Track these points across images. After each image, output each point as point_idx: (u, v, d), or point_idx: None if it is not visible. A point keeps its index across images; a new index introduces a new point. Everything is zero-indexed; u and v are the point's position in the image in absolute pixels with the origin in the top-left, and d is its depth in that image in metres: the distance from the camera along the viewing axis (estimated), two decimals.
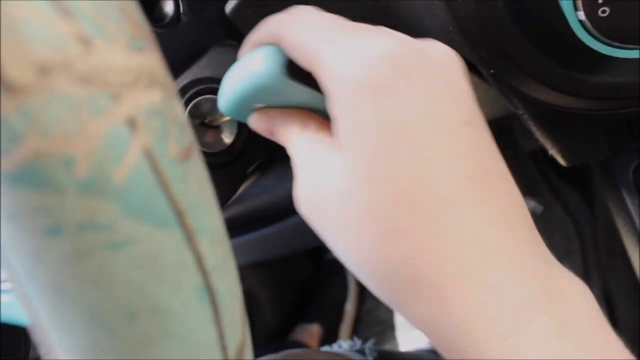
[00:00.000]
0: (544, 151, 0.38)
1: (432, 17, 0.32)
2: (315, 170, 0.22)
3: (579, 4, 0.25)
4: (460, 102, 0.21)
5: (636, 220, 0.39)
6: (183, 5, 0.33)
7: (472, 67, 0.34)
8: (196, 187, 0.14)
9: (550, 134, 0.39)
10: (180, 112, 0.14)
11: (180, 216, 0.13)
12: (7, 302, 0.17)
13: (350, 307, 1.03)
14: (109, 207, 0.12)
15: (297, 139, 0.24)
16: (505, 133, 1.09)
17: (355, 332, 1.02)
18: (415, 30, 0.36)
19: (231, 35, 0.35)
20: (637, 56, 0.26)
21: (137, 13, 0.13)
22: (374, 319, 1.03)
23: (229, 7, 0.30)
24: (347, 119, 0.21)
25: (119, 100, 0.12)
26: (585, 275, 1.01)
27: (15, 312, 0.17)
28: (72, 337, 0.13)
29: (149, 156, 0.12)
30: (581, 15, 0.25)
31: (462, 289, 0.19)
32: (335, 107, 0.21)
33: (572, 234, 1.08)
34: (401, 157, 0.20)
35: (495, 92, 0.37)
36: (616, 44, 0.26)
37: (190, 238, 0.13)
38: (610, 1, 0.25)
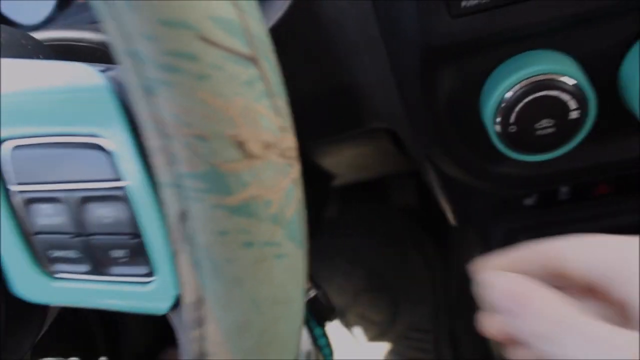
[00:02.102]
0: (411, 208, 0.51)
1: (385, 93, 0.42)
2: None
3: (497, 121, 0.37)
4: None
5: None
6: None
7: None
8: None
9: (452, 200, 0.51)
10: None
11: (304, 241, 0.20)
12: (149, 290, 0.22)
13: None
14: (281, 231, 0.19)
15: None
16: (380, 189, 1.25)
17: None
18: (367, 105, 0.46)
19: None
20: (529, 159, 0.38)
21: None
22: None
23: None
24: None
25: (292, 167, 0.19)
26: (435, 317, 1.16)
27: (154, 302, 0.22)
28: (232, 315, 0.19)
29: (300, 203, 0.20)
30: (497, 128, 0.37)
31: None
32: None
33: (427, 281, 1.24)
34: None
35: (391, 154, 0.48)
36: (517, 150, 0.37)
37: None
38: (517, 123, 0.36)
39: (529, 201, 0.50)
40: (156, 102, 0.16)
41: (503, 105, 0.36)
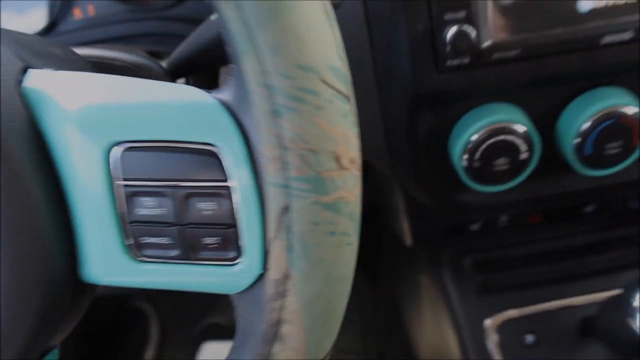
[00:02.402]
0: None
1: (370, 132, 0.49)
2: None
3: (465, 158, 0.45)
4: None
5: (451, 292, 0.60)
6: None
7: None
8: None
9: (412, 223, 0.59)
10: None
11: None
12: (235, 271, 0.26)
13: (150, 355, 1.08)
14: (352, 225, 0.25)
15: None
16: None
17: None
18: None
19: None
20: (486, 190, 0.47)
21: None
22: None
23: None
24: None
25: (360, 179, 0.26)
26: (364, 339, 1.23)
27: (236, 282, 0.26)
28: (310, 289, 0.24)
29: (358, 204, 0.26)
30: (465, 164, 0.45)
31: None
32: None
33: (355, 305, 1.31)
34: None
35: None
36: (479, 182, 0.46)
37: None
38: (480, 160, 0.45)
39: (474, 227, 0.59)
40: (281, 122, 0.22)
41: (470, 145, 0.44)
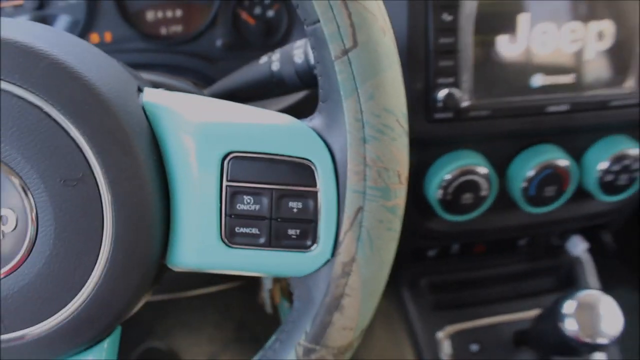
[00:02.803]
0: None
1: None
2: None
3: (439, 192, 0.56)
4: None
5: (409, 308, 0.70)
6: None
7: None
8: None
9: None
10: None
11: None
12: (311, 255, 0.34)
13: None
14: (399, 224, 0.34)
15: None
16: None
17: None
18: None
19: None
20: (454, 219, 0.58)
21: None
22: None
23: None
24: None
25: None
26: None
27: (309, 265, 0.33)
28: (369, 270, 0.33)
29: (403, 210, 0.35)
30: (439, 196, 0.56)
31: None
32: None
33: None
34: None
35: None
36: (448, 212, 0.57)
37: None
38: (451, 194, 0.56)
39: (431, 253, 0.70)
40: (367, 147, 0.31)
41: (444, 183, 0.56)
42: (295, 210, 0.34)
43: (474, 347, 0.66)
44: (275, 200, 0.33)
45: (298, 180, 0.33)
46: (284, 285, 0.58)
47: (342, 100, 0.32)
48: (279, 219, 0.34)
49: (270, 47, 0.68)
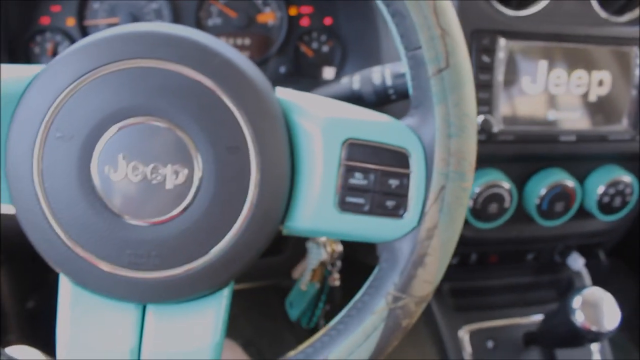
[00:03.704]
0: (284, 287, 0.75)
1: None
2: None
3: (471, 203, 0.67)
4: None
5: (434, 309, 0.80)
6: None
7: None
8: None
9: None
10: None
11: None
12: (401, 222, 0.44)
13: None
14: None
15: None
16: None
17: None
18: None
19: None
20: (481, 226, 0.69)
21: None
22: None
23: None
24: None
25: None
26: None
27: (398, 230, 0.43)
28: (447, 234, 0.42)
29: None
30: (470, 205, 0.68)
31: None
32: None
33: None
34: None
35: None
36: (478, 219, 0.68)
37: None
38: (481, 204, 0.67)
39: (453, 261, 0.80)
40: (451, 140, 0.42)
41: (474, 195, 0.67)
42: (393, 186, 0.43)
43: (490, 344, 0.75)
44: (378, 177, 0.43)
45: (396, 164, 0.43)
46: (323, 271, 0.67)
47: (434, 106, 0.43)
48: (380, 192, 0.43)
49: (320, 78, 0.80)
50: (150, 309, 0.38)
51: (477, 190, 0.67)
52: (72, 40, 0.75)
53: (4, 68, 0.37)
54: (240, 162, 0.36)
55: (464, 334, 0.76)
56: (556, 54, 0.66)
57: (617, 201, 0.71)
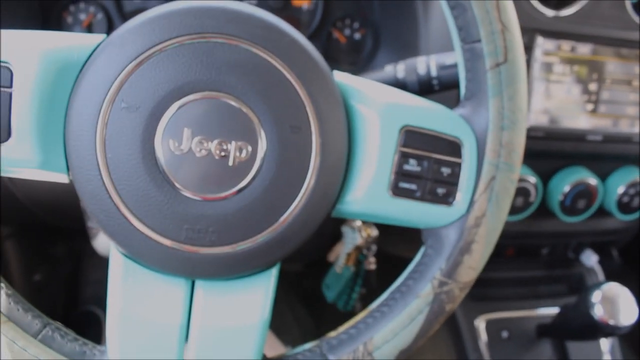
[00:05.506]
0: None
1: None
2: None
3: None
4: None
5: None
6: None
7: None
8: None
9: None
10: None
11: None
12: (450, 209, 0.46)
13: None
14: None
15: None
16: None
17: None
18: None
19: None
20: (510, 219, 0.71)
21: None
22: None
23: None
24: None
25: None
26: None
27: (447, 217, 0.45)
28: (494, 221, 0.44)
29: None
30: None
31: None
32: None
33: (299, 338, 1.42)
34: None
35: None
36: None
37: None
38: None
39: None
40: (503, 133, 0.44)
41: None
42: (445, 174, 0.44)
43: (505, 334, 0.78)
44: (432, 165, 0.44)
45: (450, 153, 0.44)
46: (357, 255, 0.68)
47: (489, 98, 0.44)
48: (432, 180, 0.43)
49: (352, 65, 0.81)
50: (200, 285, 0.38)
51: None
52: (106, 12, 0.75)
53: (65, 36, 0.37)
54: (302, 142, 0.36)
55: (480, 323, 0.78)
56: (589, 59, 0.68)
57: (636, 201, 0.73)
